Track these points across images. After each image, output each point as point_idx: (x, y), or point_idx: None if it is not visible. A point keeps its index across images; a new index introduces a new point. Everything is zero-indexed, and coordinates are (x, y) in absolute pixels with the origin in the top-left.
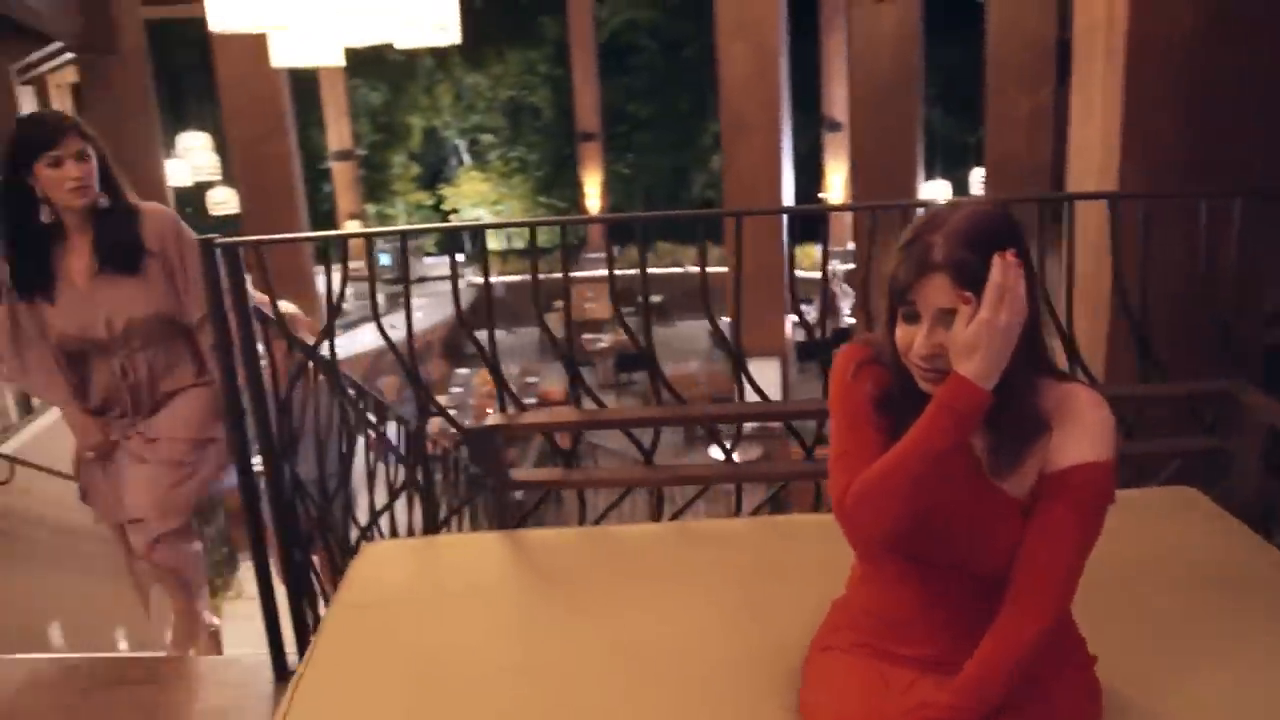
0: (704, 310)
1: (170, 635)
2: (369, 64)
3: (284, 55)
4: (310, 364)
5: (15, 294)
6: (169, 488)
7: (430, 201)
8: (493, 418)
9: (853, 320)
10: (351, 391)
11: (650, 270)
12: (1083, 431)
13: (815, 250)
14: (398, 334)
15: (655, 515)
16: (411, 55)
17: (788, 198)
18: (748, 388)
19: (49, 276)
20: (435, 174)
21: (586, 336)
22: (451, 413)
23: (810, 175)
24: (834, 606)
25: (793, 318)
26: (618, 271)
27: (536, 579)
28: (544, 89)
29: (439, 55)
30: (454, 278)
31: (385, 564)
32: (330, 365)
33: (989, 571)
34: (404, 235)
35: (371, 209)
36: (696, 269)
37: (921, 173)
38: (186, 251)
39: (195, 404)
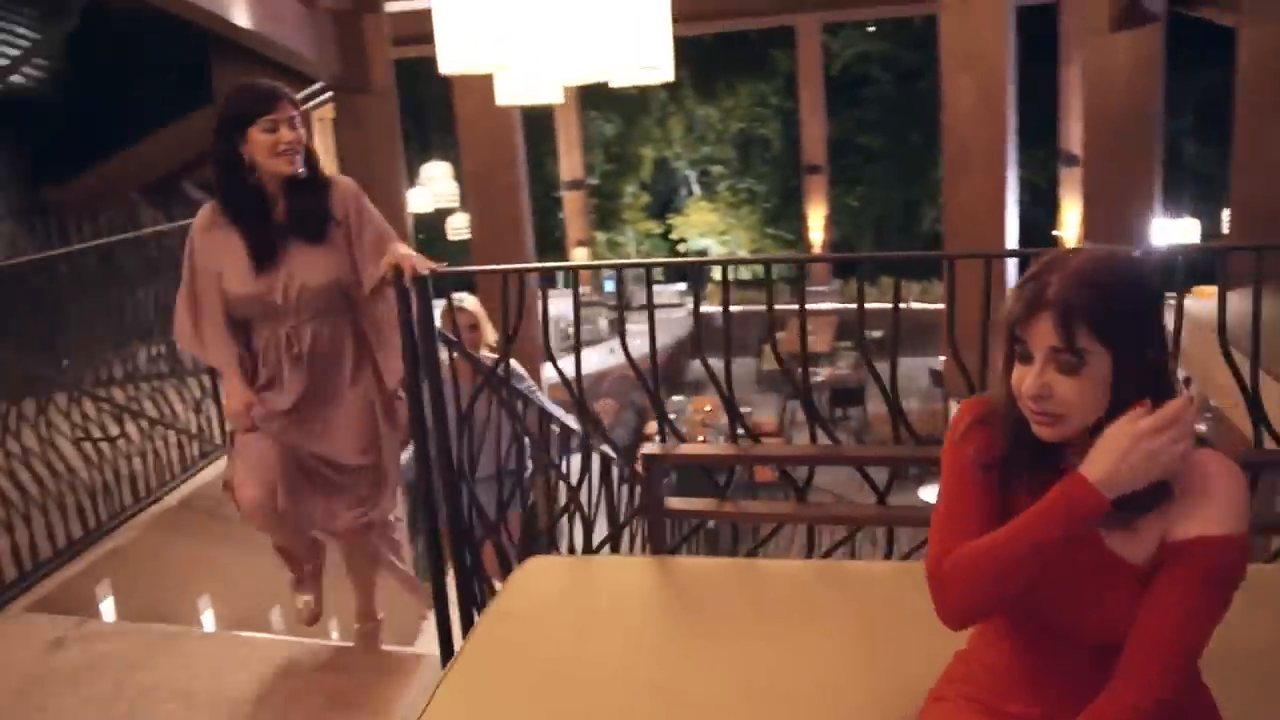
0: (926, 348)
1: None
2: (604, 97)
3: (508, 94)
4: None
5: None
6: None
7: (659, 230)
8: (650, 448)
9: None
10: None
11: (870, 305)
12: (1208, 502)
13: None
14: (618, 358)
15: (809, 552)
16: (644, 89)
17: (1012, 235)
18: None
19: (270, 241)
20: (665, 204)
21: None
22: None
23: (1048, 210)
24: (955, 657)
25: None
26: (838, 305)
27: (678, 605)
28: (774, 121)
29: (671, 88)
30: (696, 305)
31: (542, 578)
32: (505, 384)
33: (1100, 639)
34: (572, 271)
35: (601, 237)
36: (920, 305)
37: (1160, 209)
38: (365, 220)
39: (356, 425)
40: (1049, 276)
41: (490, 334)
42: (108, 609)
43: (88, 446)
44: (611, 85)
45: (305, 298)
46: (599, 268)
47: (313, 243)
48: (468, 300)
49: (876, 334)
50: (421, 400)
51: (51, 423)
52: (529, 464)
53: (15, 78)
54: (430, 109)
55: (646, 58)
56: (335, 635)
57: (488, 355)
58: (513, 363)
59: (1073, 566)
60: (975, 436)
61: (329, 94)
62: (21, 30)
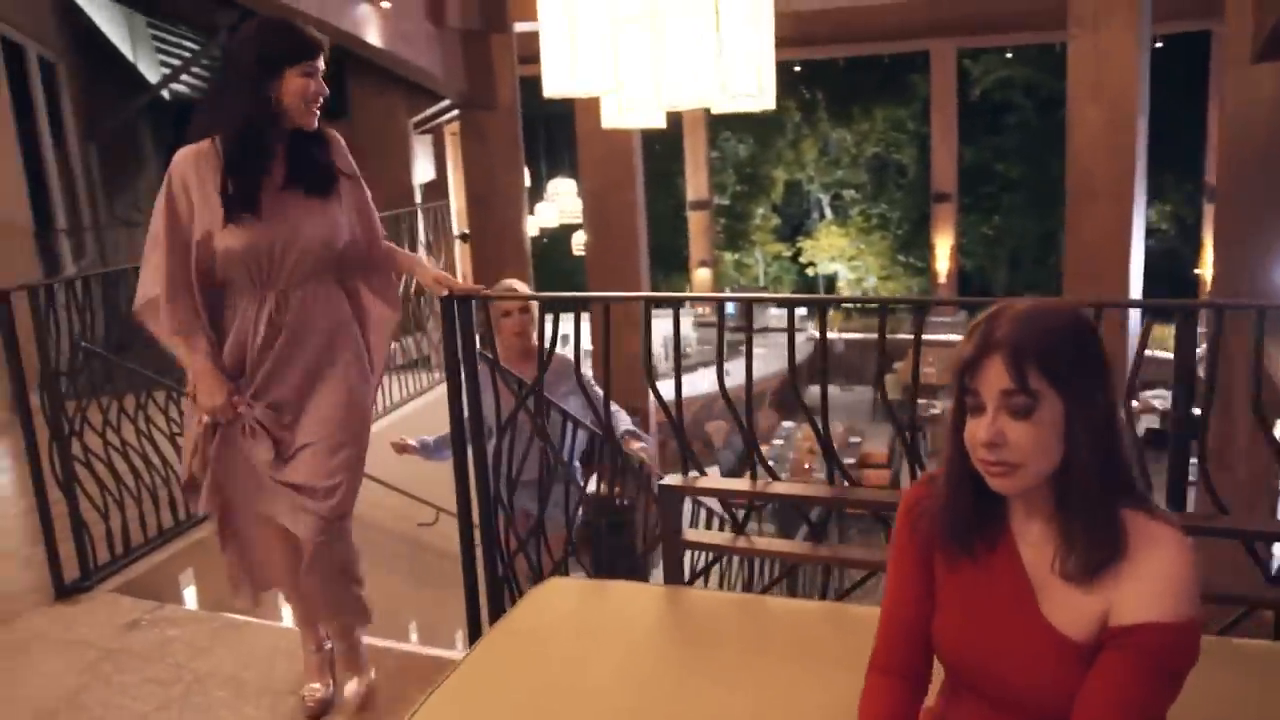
0: None
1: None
2: (737, 118)
3: (612, 117)
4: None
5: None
6: (331, 454)
7: (788, 253)
8: (671, 479)
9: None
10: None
11: None
12: (1155, 584)
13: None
14: (732, 380)
15: (823, 593)
16: (779, 110)
17: (1137, 274)
18: None
19: (275, 190)
20: (795, 226)
21: (921, 401)
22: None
23: (1193, 246)
24: (922, 713)
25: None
26: (956, 337)
27: (683, 636)
28: (910, 146)
29: (806, 111)
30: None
31: (556, 598)
32: (539, 402)
33: (1044, 713)
34: (673, 304)
35: (730, 257)
36: None
37: None
38: (359, 181)
39: (340, 408)
40: (997, 321)
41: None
42: (189, 596)
43: (181, 440)
44: (714, 112)
45: (304, 256)
46: (652, 299)
47: (317, 196)
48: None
49: None
50: (463, 413)
51: (150, 418)
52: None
53: (177, 85)
54: (560, 126)
55: (747, 85)
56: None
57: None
58: (586, 371)
59: (1010, 638)
60: (922, 522)
61: (455, 110)
62: (185, 42)
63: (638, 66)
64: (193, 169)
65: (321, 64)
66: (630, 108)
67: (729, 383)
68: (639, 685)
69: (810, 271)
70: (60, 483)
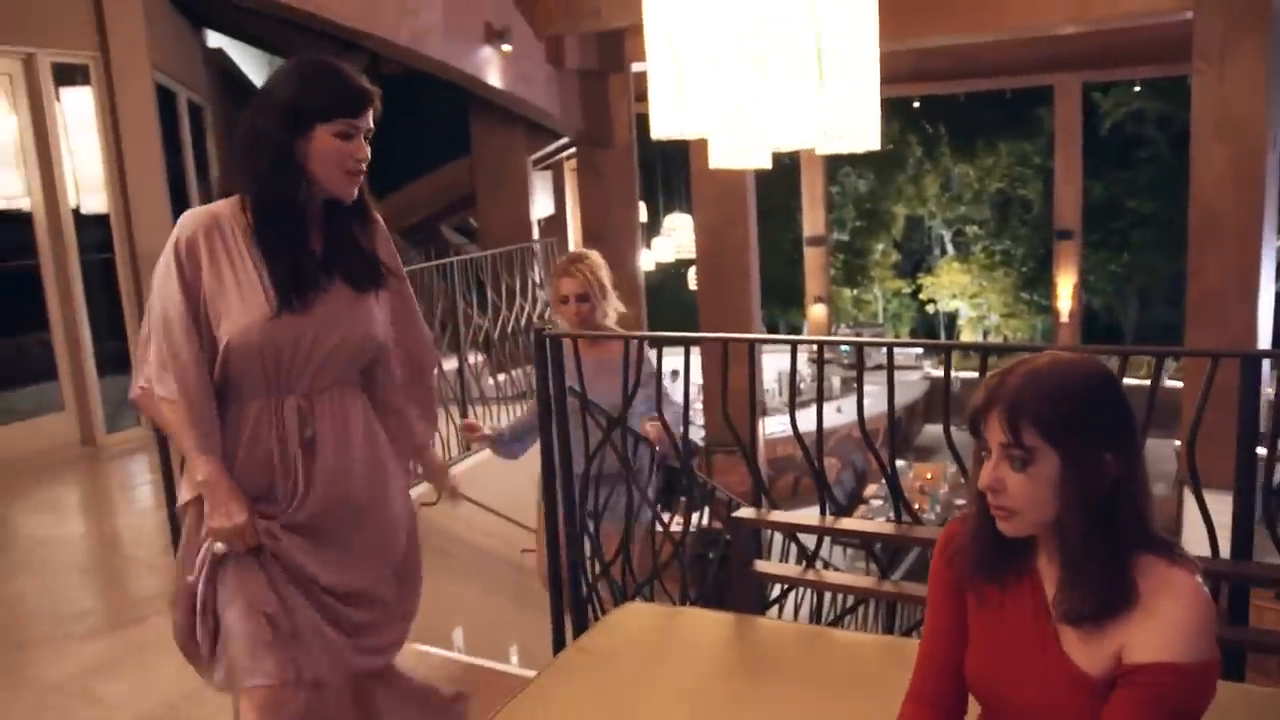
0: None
1: None
2: (858, 153)
3: (719, 158)
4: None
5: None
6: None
7: (908, 289)
8: (743, 512)
9: None
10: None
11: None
12: (1165, 626)
13: None
14: (843, 418)
15: (889, 628)
16: (899, 145)
17: (1266, 322)
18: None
19: (311, 273)
20: (916, 262)
21: None
22: (877, 503)
23: None
24: None
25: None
26: None
27: (747, 665)
28: (1036, 181)
29: (928, 146)
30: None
31: (632, 621)
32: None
33: None
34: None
35: (848, 293)
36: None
37: None
38: (404, 276)
39: (394, 549)
40: (1010, 376)
41: (613, 305)
42: None
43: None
44: (818, 153)
45: (336, 355)
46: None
47: (356, 286)
48: (591, 256)
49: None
50: (553, 445)
51: None
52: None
53: None
54: (677, 162)
55: (849, 127)
56: (515, 660)
57: (611, 325)
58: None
59: (1032, 672)
60: (955, 555)
61: (573, 148)
62: None
63: (742, 108)
64: (204, 234)
65: (367, 122)
66: (735, 149)
67: (840, 420)
68: (698, 709)
69: (930, 308)
70: None
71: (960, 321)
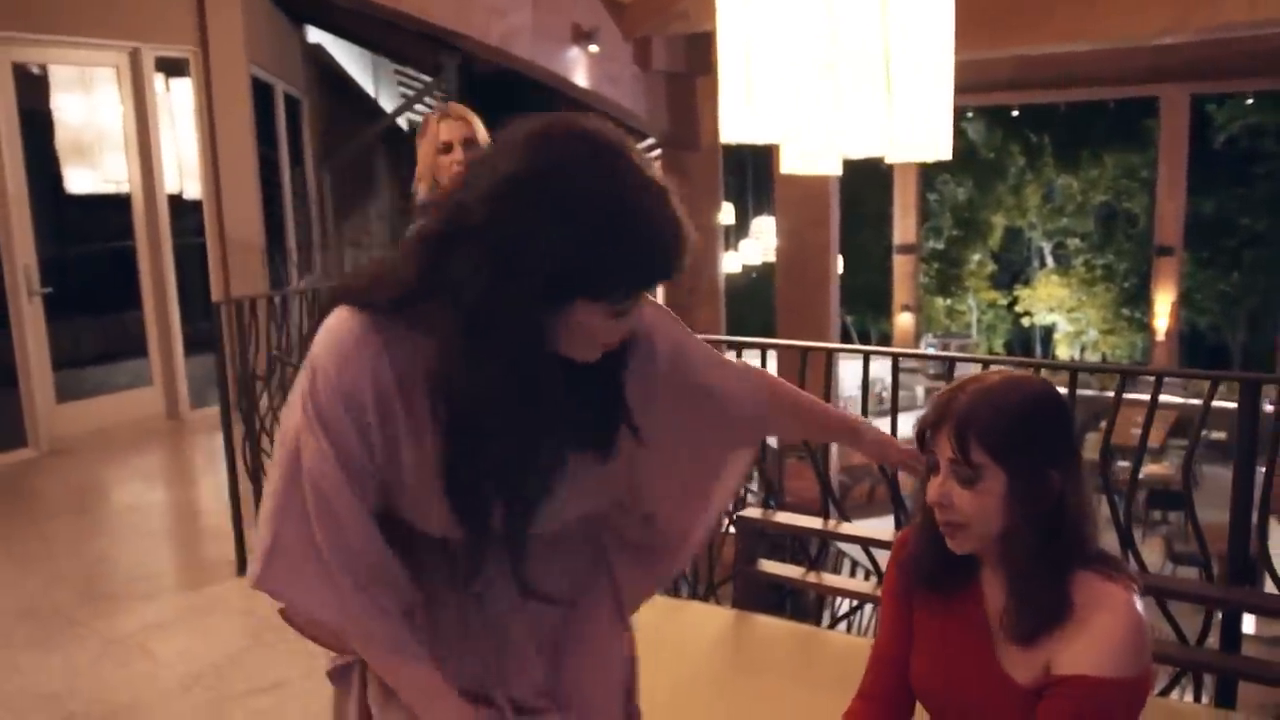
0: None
1: None
2: (958, 161)
3: (790, 163)
4: None
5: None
6: None
7: (1004, 301)
8: (749, 512)
9: None
10: None
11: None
12: (1096, 639)
13: None
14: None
15: None
16: (1001, 155)
17: None
18: None
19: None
20: (1014, 274)
21: (1122, 464)
22: None
23: None
24: None
25: None
26: (1179, 400)
27: (740, 659)
28: (1142, 195)
29: (1030, 156)
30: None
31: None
32: None
33: None
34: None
35: (941, 303)
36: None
37: None
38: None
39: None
40: (958, 393)
41: None
42: None
43: None
44: (888, 161)
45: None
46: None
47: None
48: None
49: (1219, 435)
50: None
51: None
52: None
53: (410, 113)
54: (766, 165)
55: (922, 136)
56: None
57: None
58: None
59: (970, 680)
60: (905, 564)
61: (659, 149)
62: (424, 77)
63: (811, 115)
64: (381, 376)
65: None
66: (805, 155)
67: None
68: (688, 699)
69: (1025, 321)
70: (250, 473)
71: (1056, 335)
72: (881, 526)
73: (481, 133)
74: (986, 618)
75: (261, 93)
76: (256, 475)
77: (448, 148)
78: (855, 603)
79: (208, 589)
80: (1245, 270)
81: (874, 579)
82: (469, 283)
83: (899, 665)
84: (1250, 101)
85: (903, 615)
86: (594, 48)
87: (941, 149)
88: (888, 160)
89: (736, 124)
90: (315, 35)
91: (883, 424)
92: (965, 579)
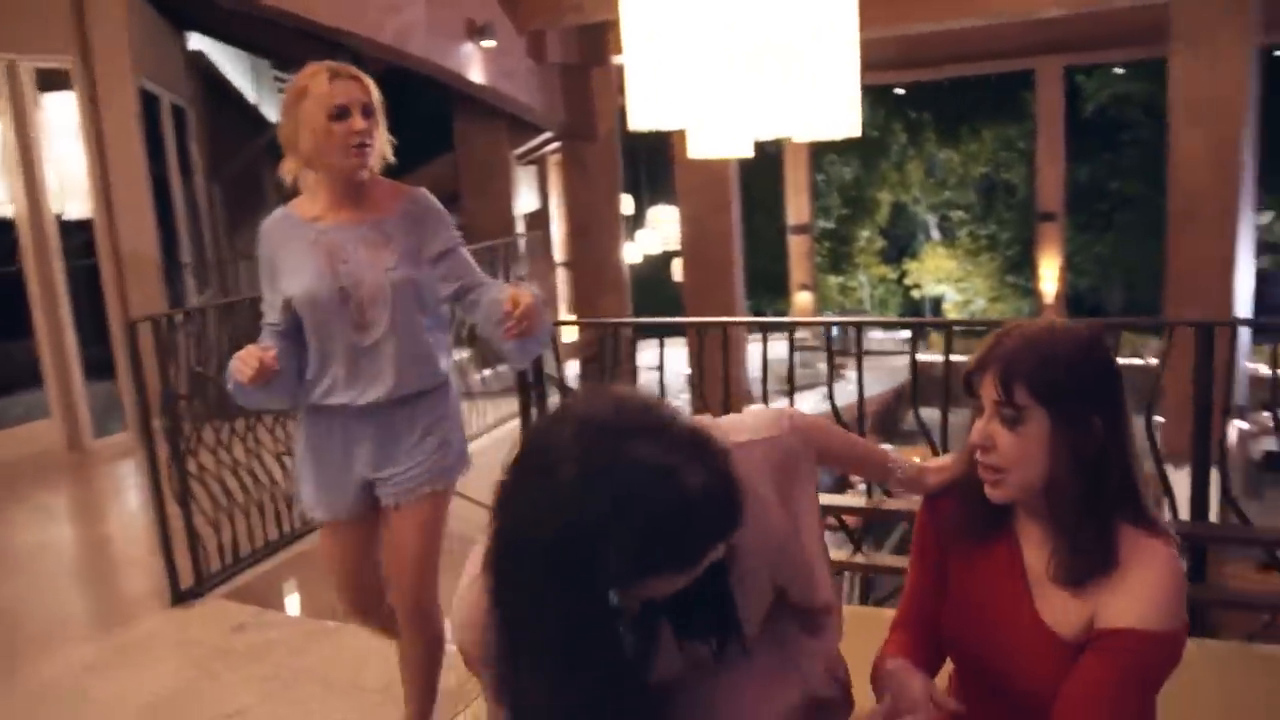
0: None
1: None
2: (843, 141)
3: (699, 147)
4: None
5: None
6: None
7: (893, 275)
8: None
9: None
10: None
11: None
12: (1139, 594)
13: None
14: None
15: (863, 598)
16: (884, 133)
17: (1244, 298)
18: None
19: None
20: (901, 249)
21: None
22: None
23: None
24: None
25: (1240, 424)
26: None
27: None
28: (1020, 166)
29: (912, 132)
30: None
31: None
32: None
33: (1032, 703)
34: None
35: (834, 280)
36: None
37: None
38: None
39: None
40: (1006, 338)
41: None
42: (290, 603)
43: (287, 460)
44: (795, 140)
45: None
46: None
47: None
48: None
49: None
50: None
51: (259, 439)
52: None
53: None
54: (662, 154)
55: (832, 115)
56: None
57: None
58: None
59: (1004, 631)
60: (938, 517)
61: (557, 142)
62: None
63: (720, 99)
64: None
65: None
66: (715, 139)
67: (824, 406)
68: None
69: (916, 294)
70: (178, 497)
71: (945, 306)
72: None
73: (379, 99)
74: (1025, 569)
75: (148, 104)
76: (185, 499)
77: (343, 113)
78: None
79: (139, 624)
80: (1118, 233)
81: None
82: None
83: (933, 601)
84: (1120, 72)
85: (933, 564)
86: (488, 43)
87: (851, 126)
88: (798, 139)
89: (645, 111)
90: (196, 42)
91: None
92: (1001, 530)
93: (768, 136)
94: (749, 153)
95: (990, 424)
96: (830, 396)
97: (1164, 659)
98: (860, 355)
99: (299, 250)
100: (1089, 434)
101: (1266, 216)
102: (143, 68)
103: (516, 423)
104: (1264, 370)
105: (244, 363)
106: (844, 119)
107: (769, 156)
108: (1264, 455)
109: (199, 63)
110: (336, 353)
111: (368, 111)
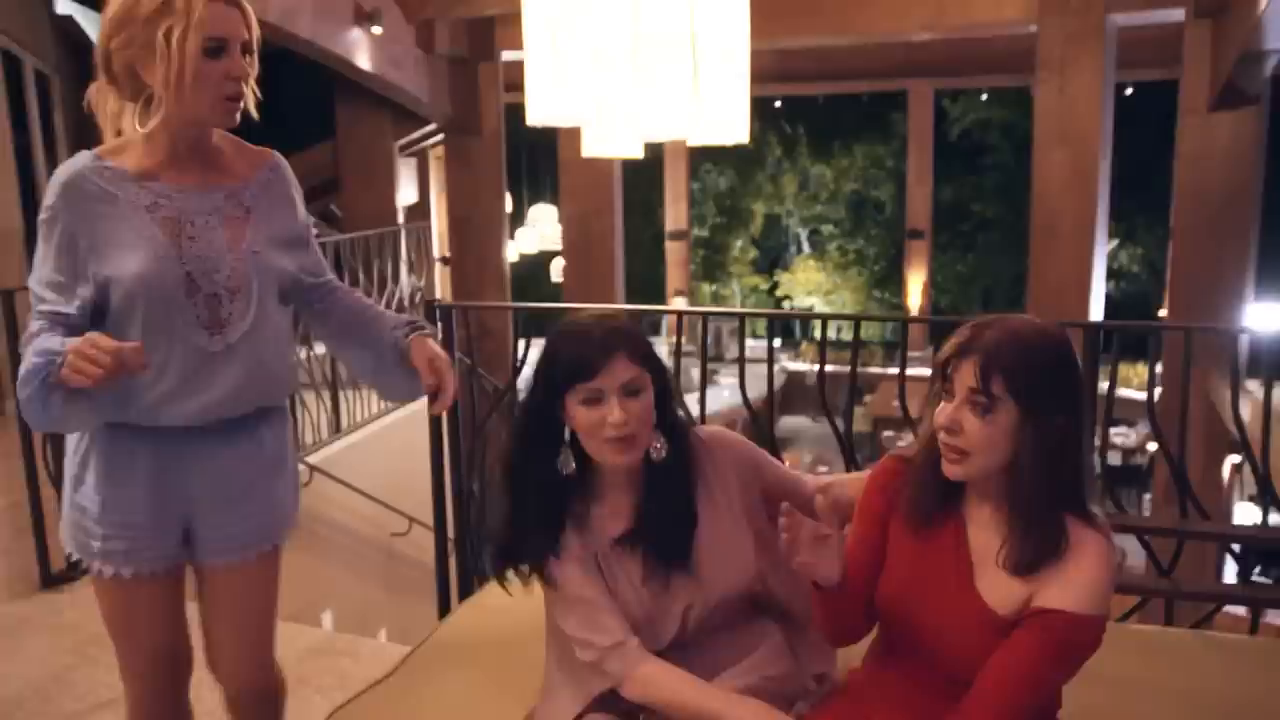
0: None
1: None
2: (719, 150)
3: (592, 146)
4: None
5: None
6: None
7: (765, 286)
8: None
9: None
10: None
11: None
12: (1077, 580)
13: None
14: (714, 405)
15: None
16: (760, 144)
17: (1097, 311)
18: None
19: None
20: (774, 260)
21: (887, 434)
22: None
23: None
24: (849, 674)
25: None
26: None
27: None
28: (889, 184)
29: (787, 146)
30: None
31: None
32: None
33: (960, 675)
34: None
35: (708, 288)
36: None
37: (1254, 293)
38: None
39: None
40: (987, 330)
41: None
42: None
43: None
44: (690, 144)
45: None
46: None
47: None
48: None
49: None
50: (441, 419)
51: None
52: None
53: None
54: (543, 153)
55: (722, 119)
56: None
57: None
58: None
59: (942, 603)
60: (886, 493)
61: (440, 134)
62: None
63: (616, 98)
64: None
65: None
66: (609, 138)
67: (709, 409)
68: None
69: (786, 304)
70: (53, 477)
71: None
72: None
73: (259, 36)
74: (969, 549)
75: (11, 68)
76: (61, 480)
77: (219, 48)
78: None
79: (7, 608)
80: (979, 252)
81: None
82: None
83: (870, 571)
84: (984, 97)
85: (877, 535)
86: (377, 29)
87: (740, 131)
88: (690, 142)
89: (543, 106)
90: (64, 6)
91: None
92: (948, 511)
93: (660, 138)
94: (639, 153)
95: (960, 410)
96: (702, 401)
97: (1089, 641)
98: (743, 360)
99: (127, 216)
100: (1052, 429)
101: (1112, 244)
102: (3, 26)
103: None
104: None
105: (90, 360)
106: (734, 125)
107: (647, 162)
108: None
109: (67, 29)
110: (172, 359)
111: (247, 50)
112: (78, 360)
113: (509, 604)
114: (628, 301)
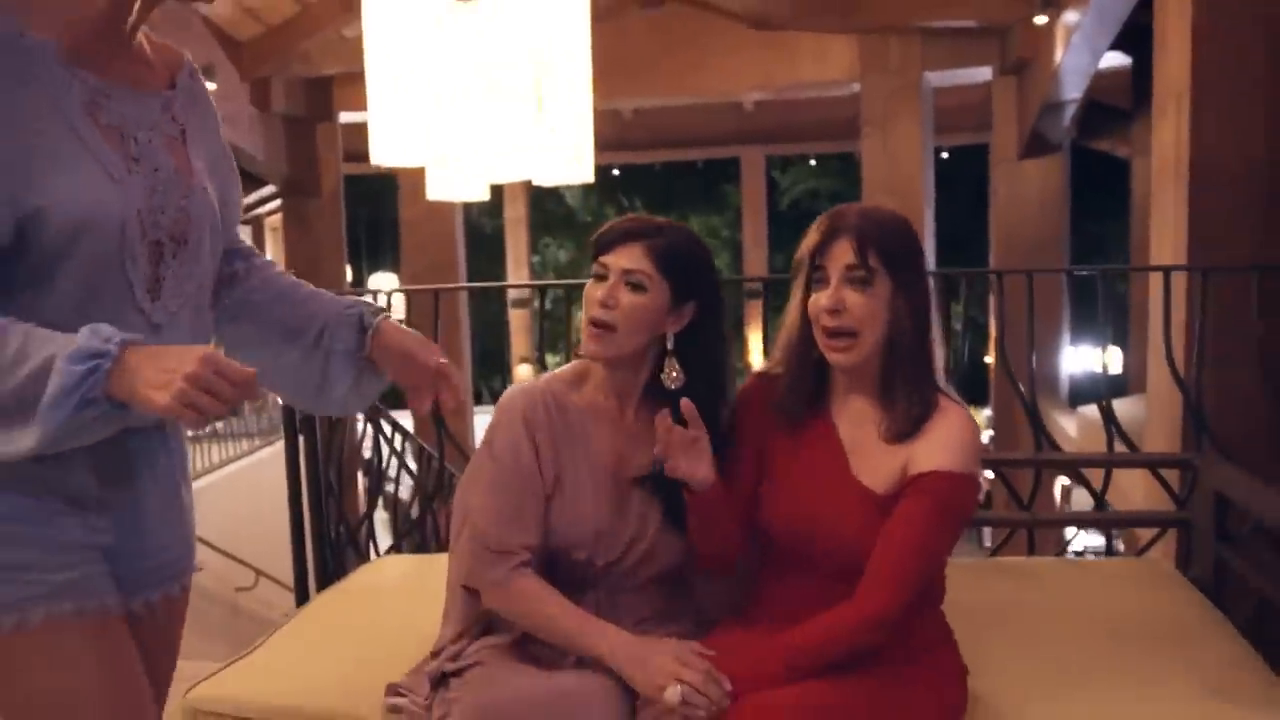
0: None
1: None
2: (558, 222)
3: (437, 189)
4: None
5: None
6: None
7: None
8: None
9: None
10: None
11: None
12: (946, 442)
13: None
14: None
15: None
16: (598, 216)
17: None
18: None
19: None
20: None
21: None
22: None
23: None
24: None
25: None
26: None
27: None
28: (724, 252)
29: (623, 215)
30: None
31: (389, 569)
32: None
33: (842, 562)
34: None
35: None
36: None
37: (1069, 334)
38: None
39: None
40: (844, 214)
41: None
42: None
43: None
44: (535, 183)
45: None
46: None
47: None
48: None
49: None
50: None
51: None
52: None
53: None
54: (380, 222)
55: (567, 162)
56: None
57: None
58: None
59: (826, 500)
60: (755, 401)
61: (276, 200)
62: None
63: (461, 139)
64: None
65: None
66: (453, 180)
67: None
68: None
69: None
70: None
71: None
72: None
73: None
74: (839, 441)
75: None
76: None
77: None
78: None
79: None
80: None
81: None
82: None
83: (743, 484)
84: (813, 163)
85: (749, 452)
86: (211, 85)
87: (585, 172)
88: (535, 182)
89: (386, 146)
90: None
91: None
92: (817, 412)
93: (505, 179)
94: (485, 195)
95: (840, 289)
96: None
97: (967, 497)
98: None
99: (56, 117)
100: (919, 296)
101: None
102: None
103: (246, 461)
104: None
105: (213, 392)
106: (578, 166)
107: (484, 233)
108: None
109: None
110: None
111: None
112: (194, 393)
113: (373, 586)
114: (476, 368)
